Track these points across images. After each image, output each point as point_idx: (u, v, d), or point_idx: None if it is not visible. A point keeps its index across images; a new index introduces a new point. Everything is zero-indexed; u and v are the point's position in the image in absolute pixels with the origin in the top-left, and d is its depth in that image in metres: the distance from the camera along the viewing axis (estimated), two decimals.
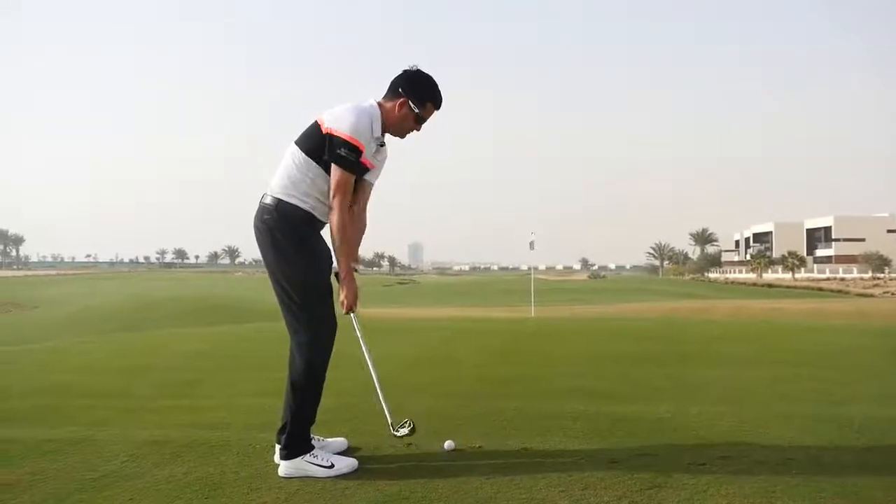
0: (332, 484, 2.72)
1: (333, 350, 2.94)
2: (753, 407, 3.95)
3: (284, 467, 2.83)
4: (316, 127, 2.92)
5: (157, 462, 3.02)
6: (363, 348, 3.02)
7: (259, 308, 27.18)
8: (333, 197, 2.86)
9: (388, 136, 3.05)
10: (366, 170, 2.98)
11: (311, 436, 2.97)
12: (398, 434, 3.00)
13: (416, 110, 2.96)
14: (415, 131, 3.05)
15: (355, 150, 2.83)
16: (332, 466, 2.83)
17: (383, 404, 3.05)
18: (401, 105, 2.95)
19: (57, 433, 3.52)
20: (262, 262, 2.98)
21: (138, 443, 3.31)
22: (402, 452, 3.11)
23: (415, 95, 2.96)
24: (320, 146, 2.86)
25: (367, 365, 3.01)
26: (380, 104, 2.97)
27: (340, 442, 3.17)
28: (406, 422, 3.00)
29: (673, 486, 2.60)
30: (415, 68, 2.99)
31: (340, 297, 2.95)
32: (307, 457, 2.84)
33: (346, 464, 2.86)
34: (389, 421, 3.03)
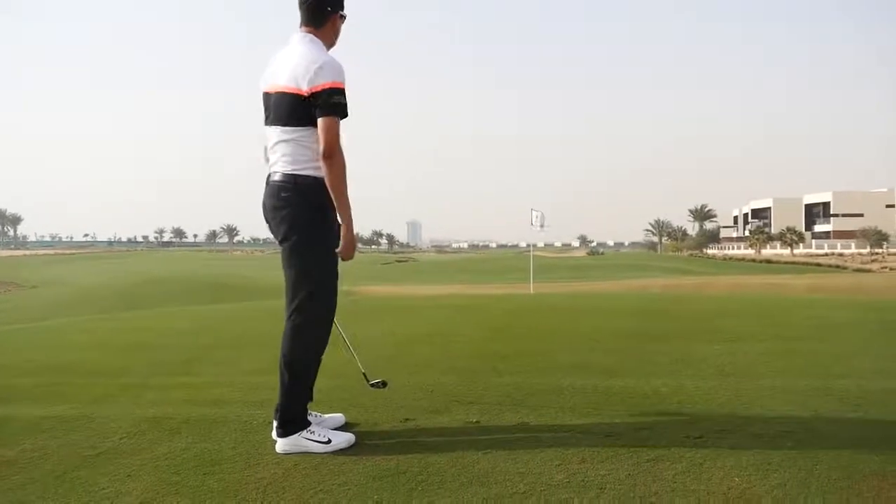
0: (330, 459, 2.73)
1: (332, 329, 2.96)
2: (750, 381, 3.96)
3: (282, 443, 2.84)
4: (283, 97, 2.78)
5: (155, 438, 3.03)
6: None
7: (257, 286, 27.22)
8: (332, 146, 2.70)
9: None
10: None
11: (309, 412, 2.97)
12: (371, 383, 3.33)
13: (344, 13, 2.95)
14: None
15: (344, 92, 2.76)
16: (329, 442, 2.83)
17: (356, 357, 3.37)
18: (336, 22, 2.93)
19: (56, 410, 3.54)
20: (262, 242, 2.92)
21: (137, 419, 3.32)
22: (399, 428, 3.12)
23: (340, 4, 2.93)
24: (306, 113, 2.74)
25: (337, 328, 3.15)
26: (316, 34, 2.86)
27: (338, 418, 3.18)
28: (379, 381, 3.35)
29: (670, 459, 2.62)
30: None
31: (339, 246, 2.85)
32: (304, 433, 2.84)
33: (343, 439, 2.87)
34: (363, 371, 3.36)
